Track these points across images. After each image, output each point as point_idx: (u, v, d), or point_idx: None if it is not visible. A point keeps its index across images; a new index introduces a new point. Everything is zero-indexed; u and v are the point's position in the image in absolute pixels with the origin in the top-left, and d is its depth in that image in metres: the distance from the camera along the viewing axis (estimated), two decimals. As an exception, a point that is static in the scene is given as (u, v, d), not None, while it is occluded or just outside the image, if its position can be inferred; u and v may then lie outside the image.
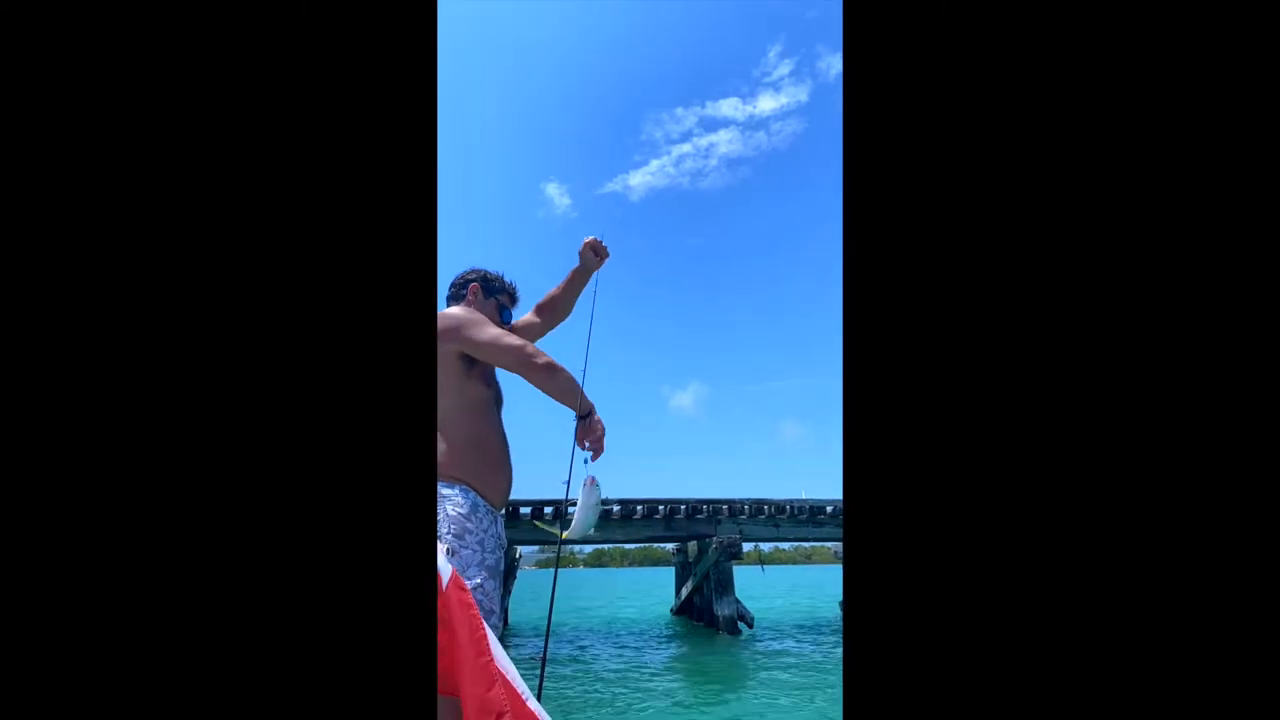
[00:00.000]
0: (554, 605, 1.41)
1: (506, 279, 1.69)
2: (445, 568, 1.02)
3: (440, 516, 1.29)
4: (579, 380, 1.47)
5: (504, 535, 1.44)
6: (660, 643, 10.28)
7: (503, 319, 1.66)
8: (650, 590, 27.18)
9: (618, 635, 11.30)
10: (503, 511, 1.48)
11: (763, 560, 15.06)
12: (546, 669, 1.34)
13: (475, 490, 1.37)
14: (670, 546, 16.01)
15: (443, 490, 1.32)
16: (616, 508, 12.24)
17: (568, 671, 7.27)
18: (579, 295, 1.81)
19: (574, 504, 1.55)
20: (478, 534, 1.32)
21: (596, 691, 6.17)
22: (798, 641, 10.05)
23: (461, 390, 1.44)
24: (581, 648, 9.54)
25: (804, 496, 13.14)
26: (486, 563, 1.32)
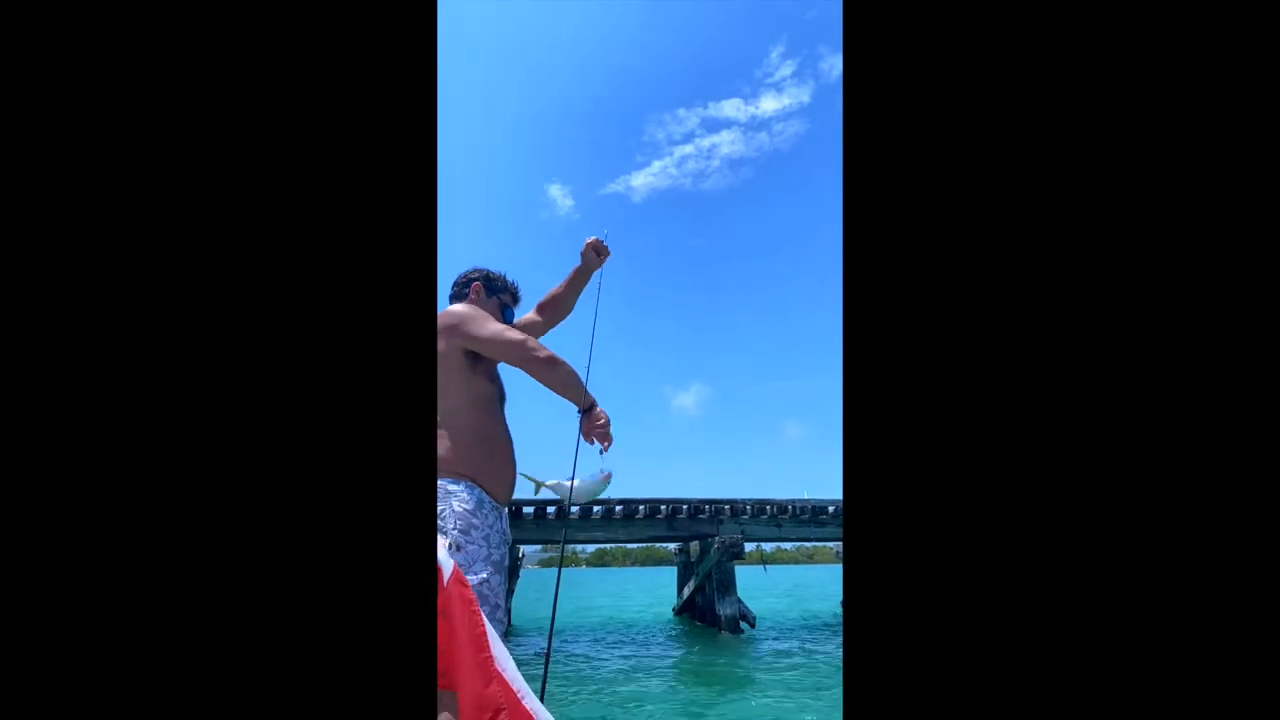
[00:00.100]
0: (557, 605, 1.42)
1: (509, 278, 1.71)
2: (447, 563, 1.03)
3: (446, 512, 1.30)
4: (582, 378, 1.48)
5: (509, 531, 1.45)
6: (662, 642, 10.27)
7: (505, 317, 1.67)
8: (652, 590, 27.14)
9: (620, 635, 11.29)
10: (507, 508, 1.48)
11: (765, 560, 15.04)
12: (550, 669, 1.34)
13: (480, 486, 1.38)
14: (672, 546, 15.99)
15: (448, 486, 1.33)
16: (619, 507, 12.23)
17: (570, 671, 7.28)
18: (580, 294, 1.83)
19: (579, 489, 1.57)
20: (483, 529, 1.33)
21: (598, 691, 6.17)
22: (800, 641, 10.04)
23: (465, 387, 1.45)
24: (584, 647, 9.54)
25: (806, 497, 13.13)
26: (492, 558, 1.33)
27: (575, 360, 1.48)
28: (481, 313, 1.53)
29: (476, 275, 1.67)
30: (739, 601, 11.73)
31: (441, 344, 1.45)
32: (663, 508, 12.39)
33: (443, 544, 1.08)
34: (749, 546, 12.55)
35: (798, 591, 24.40)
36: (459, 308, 1.54)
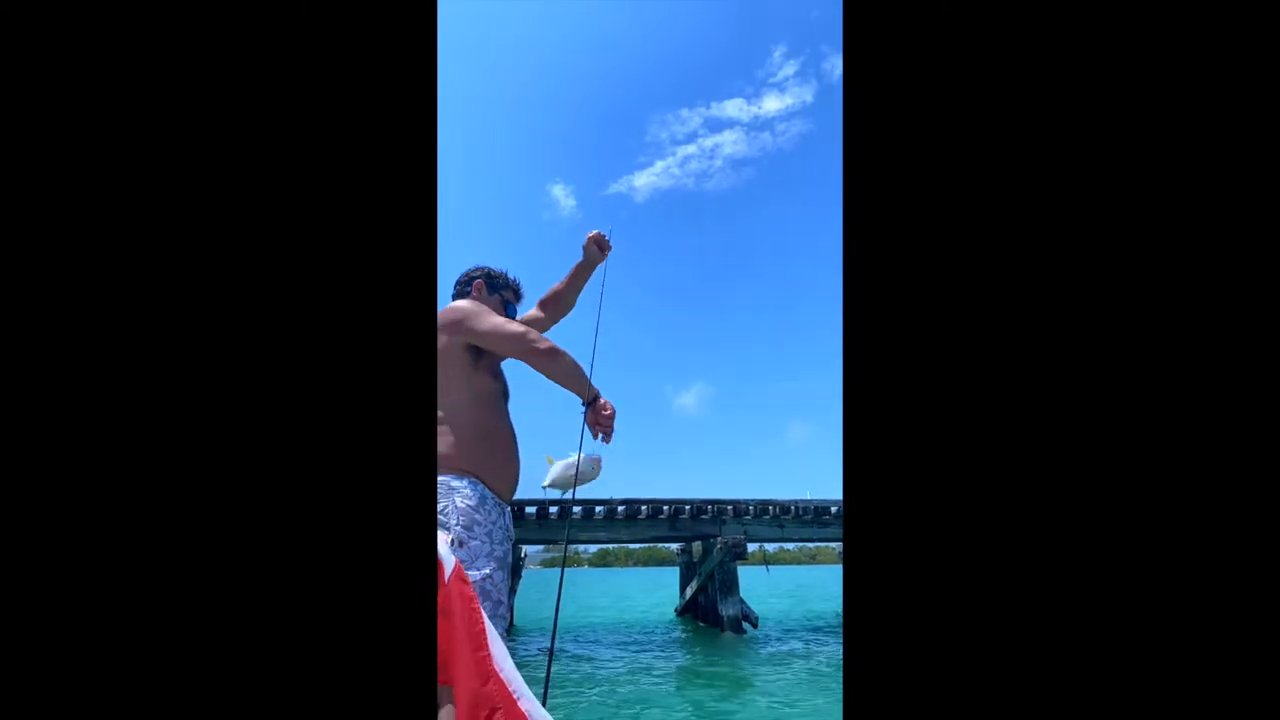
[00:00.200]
0: (560, 605, 1.41)
1: (510, 275, 1.71)
2: (449, 559, 1.02)
3: (449, 508, 1.30)
4: (586, 373, 1.48)
5: (512, 528, 1.45)
6: (665, 643, 10.27)
7: (507, 314, 1.67)
8: (654, 590, 27.17)
9: (622, 635, 11.30)
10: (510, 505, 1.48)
11: (767, 560, 15.03)
12: (552, 669, 1.34)
13: (483, 482, 1.38)
14: (675, 547, 16.00)
15: (452, 483, 1.33)
16: (621, 508, 12.24)
17: (573, 672, 7.28)
18: (583, 289, 1.83)
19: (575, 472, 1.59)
20: (486, 526, 1.33)
21: (601, 692, 6.17)
22: (802, 642, 10.03)
23: (468, 382, 1.45)
24: (587, 647, 9.54)
25: (809, 497, 13.12)
26: (495, 554, 1.33)
27: (578, 356, 1.48)
28: (483, 307, 1.53)
29: (478, 273, 1.68)
30: (741, 602, 11.73)
31: (444, 339, 1.45)
32: (665, 508, 12.40)
33: (444, 540, 1.08)
34: (751, 547, 12.55)
35: (800, 592, 24.41)
36: (460, 303, 1.55)
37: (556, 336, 1.61)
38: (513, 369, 1.62)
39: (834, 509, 12.88)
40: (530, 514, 11.71)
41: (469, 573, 1.23)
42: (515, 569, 12.82)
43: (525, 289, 1.75)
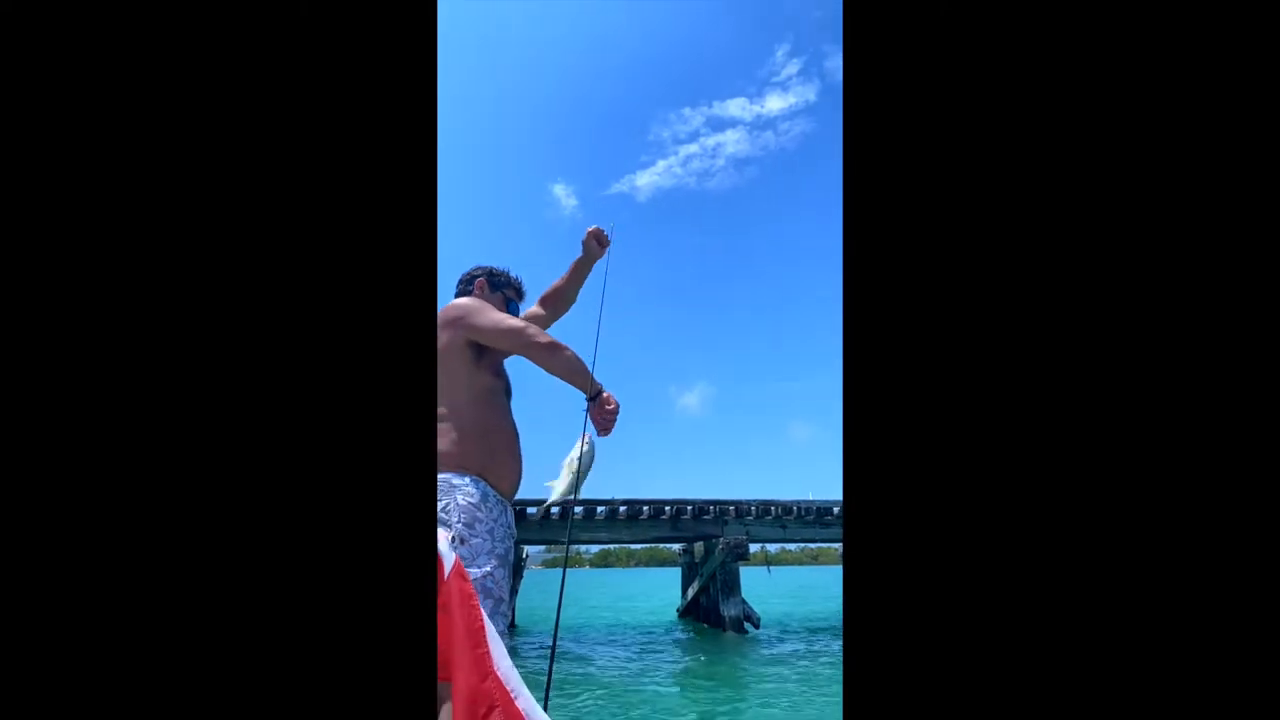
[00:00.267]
0: (561, 605, 1.40)
1: (512, 274, 1.72)
2: (449, 556, 1.02)
3: (450, 506, 1.30)
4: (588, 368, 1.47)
5: (514, 525, 1.45)
6: (667, 645, 10.27)
7: (509, 311, 1.67)
8: (656, 591, 27.18)
9: (625, 636, 11.30)
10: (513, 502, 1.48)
11: (769, 561, 15.02)
12: (554, 671, 1.33)
13: (485, 480, 1.38)
14: (677, 547, 16.00)
15: (453, 480, 1.33)
16: (623, 508, 12.24)
17: (574, 673, 7.28)
18: (583, 285, 1.83)
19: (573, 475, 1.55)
20: (488, 523, 1.33)
21: (604, 694, 6.17)
22: (804, 642, 10.02)
23: (470, 379, 1.45)
24: (589, 649, 9.54)
25: (811, 498, 13.12)
26: (496, 551, 1.33)
27: (581, 355, 1.48)
28: (484, 304, 1.54)
29: (480, 272, 1.69)
30: (743, 602, 11.73)
31: (446, 336, 1.46)
32: (667, 509, 12.40)
33: (444, 537, 1.07)
34: (754, 548, 12.55)
35: (802, 593, 24.40)
36: (462, 300, 1.55)
37: (559, 334, 1.60)
38: (516, 368, 1.62)
39: (836, 510, 12.87)
40: (532, 514, 11.72)
41: (471, 570, 1.23)
42: (517, 569, 12.83)
43: (527, 288, 1.76)
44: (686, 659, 8.53)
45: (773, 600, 18.42)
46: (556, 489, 1.56)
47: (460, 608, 0.98)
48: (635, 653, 9.10)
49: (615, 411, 1.47)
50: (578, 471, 1.53)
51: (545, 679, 1.31)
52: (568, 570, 1.51)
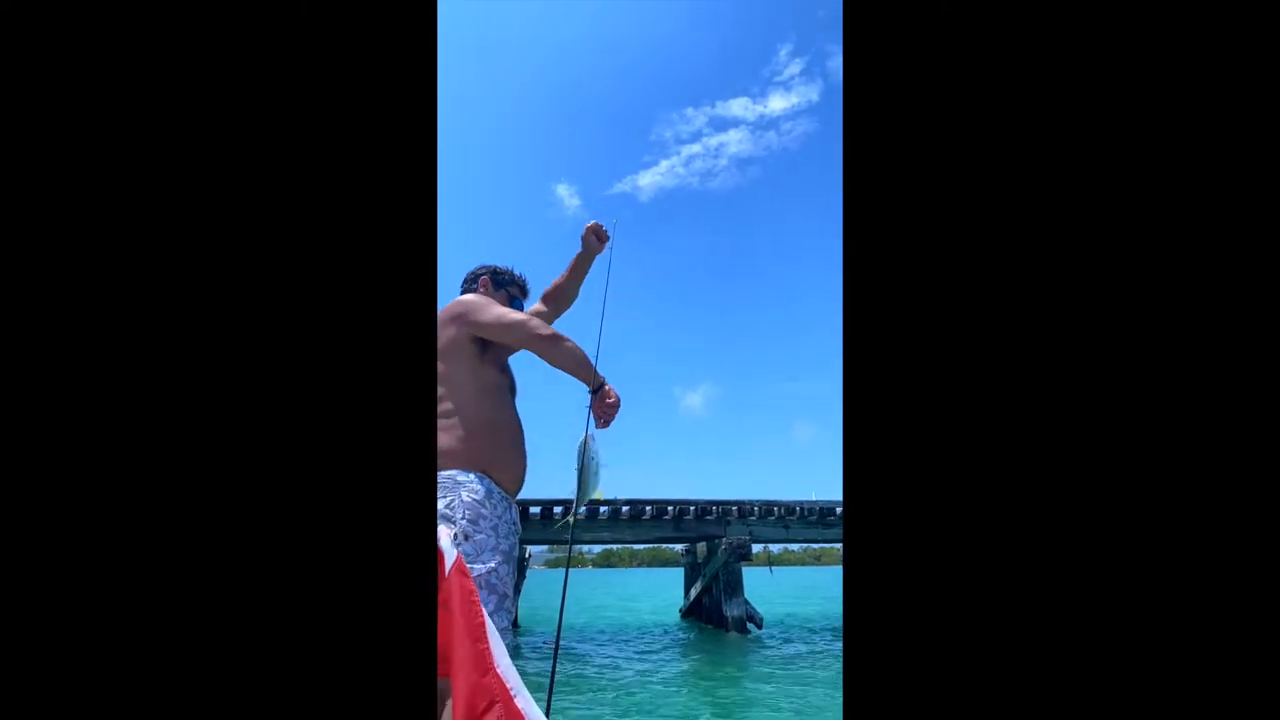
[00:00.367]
0: (564, 605, 1.40)
1: (515, 271, 1.73)
2: (450, 552, 1.03)
3: (455, 502, 1.30)
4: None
5: (518, 522, 1.45)
6: (670, 644, 10.27)
7: (513, 308, 1.67)
8: (659, 591, 27.21)
9: (628, 636, 11.30)
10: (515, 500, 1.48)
11: (771, 561, 15.00)
12: (557, 671, 1.33)
13: (490, 477, 1.38)
14: (679, 547, 15.99)
15: (458, 477, 1.33)
16: (626, 508, 12.24)
17: (578, 673, 7.28)
18: (584, 280, 1.84)
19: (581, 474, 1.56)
20: (492, 519, 1.33)
21: (607, 695, 6.17)
22: (807, 643, 10.01)
23: (475, 374, 1.46)
24: (592, 650, 9.55)
25: (814, 498, 13.11)
26: (500, 548, 1.33)
27: (585, 351, 1.48)
28: (487, 300, 1.55)
29: (483, 271, 1.70)
30: (746, 603, 11.72)
31: (451, 332, 1.47)
32: (670, 508, 12.40)
33: (446, 534, 1.07)
34: (756, 548, 12.54)
35: (805, 593, 24.40)
36: (466, 297, 1.56)
37: (562, 331, 1.59)
38: (519, 367, 1.62)
39: (839, 510, 12.85)
40: (534, 514, 11.72)
41: (475, 566, 1.23)
42: (520, 568, 12.84)
43: (530, 286, 1.77)
44: (689, 659, 8.53)
45: (776, 601, 18.40)
46: (581, 492, 1.56)
47: (461, 604, 0.98)
48: (638, 653, 9.10)
49: (616, 404, 1.48)
50: (582, 469, 1.53)
51: (548, 679, 1.31)
52: (570, 570, 1.51)
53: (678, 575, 17.31)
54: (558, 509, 11.75)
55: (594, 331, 1.72)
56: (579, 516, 1.58)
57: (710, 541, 12.73)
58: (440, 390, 1.41)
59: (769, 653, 9.02)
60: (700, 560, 13.80)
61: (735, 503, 12.60)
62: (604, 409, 1.48)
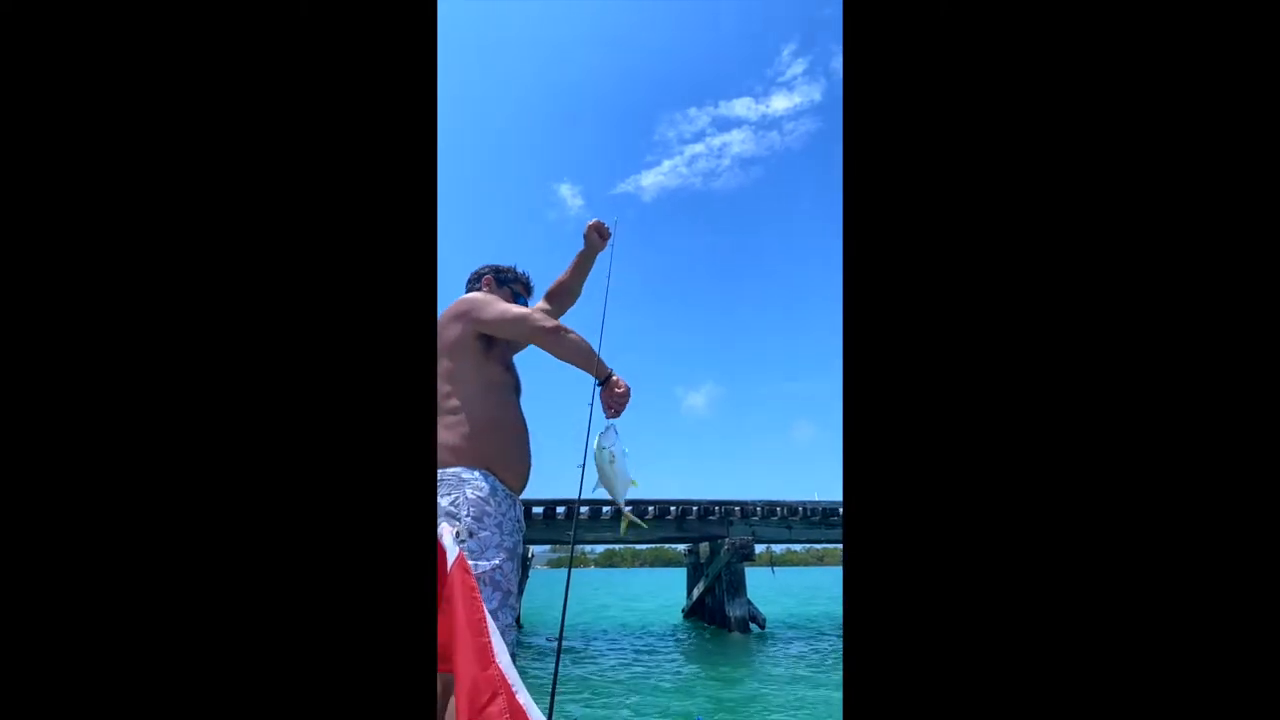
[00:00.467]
0: (567, 605, 1.41)
1: (519, 269, 1.74)
2: (452, 548, 1.04)
3: (459, 499, 1.31)
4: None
5: (522, 519, 1.45)
6: (672, 644, 10.27)
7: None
8: (661, 591, 27.20)
9: (630, 636, 11.30)
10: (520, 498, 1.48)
11: (774, 562, 14.99)
12: (560, 671, 1.33)
13: (494, 474, 1.38)
14: (682, 547, 16.00)
15: (463, 474, 1.34)
16: (628, 508, 12.23)
17: (580, 673, 7.28)
18: (586, 277, 1.85)
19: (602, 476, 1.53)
20: (496, 517, 1.33)
21: (608, 693, 6.17)
22: (809, 643, 10.00)
23: (480, 372, 1.46)
24: (594, 650, 9.55)
25: (817, 498, 13.11)
26: (505, 545, 1.33)
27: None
28: (492, 297, 1.56)
29: (487, 270, 1.71)
30: (749, 603, 11.72)
31: (457, 329, 1.47)
32: (672, 509, 12.40)
33: (449, 531, 1.08)
34: (759, 548, 12.54)
35: (807, 594, 24.36)
36: (471, 294, 1.57)
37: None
38: (524, 366, 1.62)
39: (841, 510, 12.84)
40: (538, 514, 11.74)
41: (479, 563, 1.24)
42: (523, 567, 12.85)
43: (534, 285, 1.78)
44: (692, 659, 8.53)
45: (778, 601, 18.38)
46: (616, 489, 1.52)
47: (462, 599, 0.98)
48: (640, 652, 9.10)
49: (627, 394, 1.48)
50: (605, 466, 1.50)
51: (551, 679, 1.31)
52: (573, 570, 1.51)
53: (680, 575, 17.31)
54: (560, 509, 11.76)
55: (596, 331, 1.72)
56: (625, 511, 1.54)
57: (713, 542, 12.73)
58: (446, 388, 1.42)
59: (772, 652, 9.01)
60: (703, 560, 13.80)
61: (738, 503, 12.60)
62: (613, 398, 1.48)
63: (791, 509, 12.82)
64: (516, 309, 1.51)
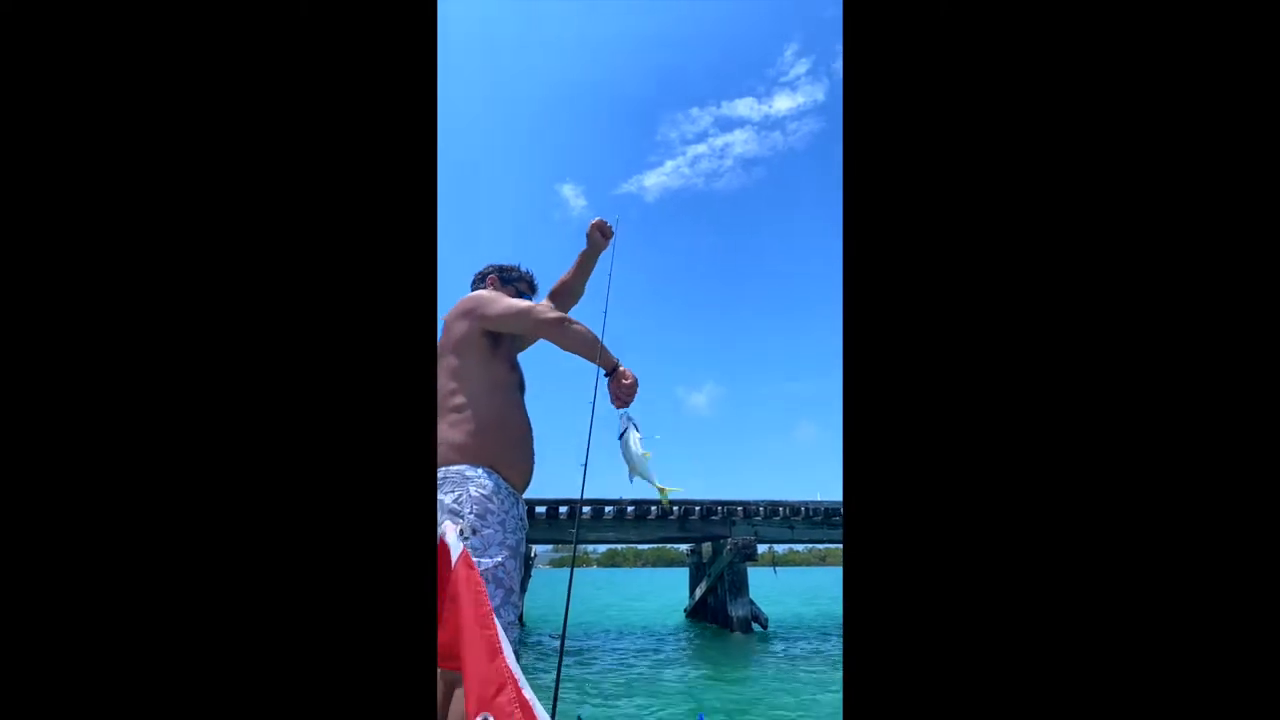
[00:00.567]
0: (570, 605, 1.41)
1: (523, 268, 1.75)
2: (456, 546, 1.04)
3: (463, 497, 1.31)
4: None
5: (525, 518, 1.46)
6: (676, 644, 10.27)
7: None
8: (664, 591, 27.19)
9: (632, 636, 11.30)
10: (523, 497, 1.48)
11: (776, 562, 14.96)
12: (562, 675, 1.33)
13: (498, 472, 1.39)
14: (684, 547, 15.98)
15: (466, 472, 1.34)
16: (631, 508, 12.25)
17: (581, 673, 7.29)
18: (589, 276, 1.86)
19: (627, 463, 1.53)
20: (499, 514, 1.34)
21: (610, 693, 6.17)
22: (812, 643, 9.99)
23: (485, 370, 1.47)
24: (597, 651, 9.55)
25: (819, 498, 13.09)
26: (508, 543, 1.34)
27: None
28: (496, 293, 1.57)
29: (490, 270, 1.72)
30: (751, 603, 11.72)
31: (463, 327, 1.48)
32: (675, 509, 12.40)
33: (452, 529, 1.09)
34: (761, 548, 12.53)
35: (809, 594, 24.34)
36: (477, 291, 1.59)
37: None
38: (528, 366, 1.62)
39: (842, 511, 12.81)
40: (540, 514, 11.74)
41: (482, 561, 1.24)
42: (525, 566, 12.86)
43: (538, 283, 1.79)
44: (695, 659, 8.52)
45: (781, 601, 18.36)
46: (645, 471, 1.52)
47: (467, 594, 0.99)
48: (643, 652, 9.10)
49: (634, 384, 1.49)
50: (634, 460, 1.50)
51: (554, 678, 1.31)
52: (575, 569, 1.51)
53: (683, 575, 17.31)
54: (563, 509, 11.76)
55: (597, 330, 1.72)
56: (660, 486, 1.52)
57: (715, 542, 12.72)
58: (452, 385, 1.43)
59: (775, 652, 9.00)
60: (705, 560, 13.79)
61: (740, 503, 12.59)
62: (621, 389, 1.48)
63: (794, 509, 12.80)
64: (521, 303, 1.51)
